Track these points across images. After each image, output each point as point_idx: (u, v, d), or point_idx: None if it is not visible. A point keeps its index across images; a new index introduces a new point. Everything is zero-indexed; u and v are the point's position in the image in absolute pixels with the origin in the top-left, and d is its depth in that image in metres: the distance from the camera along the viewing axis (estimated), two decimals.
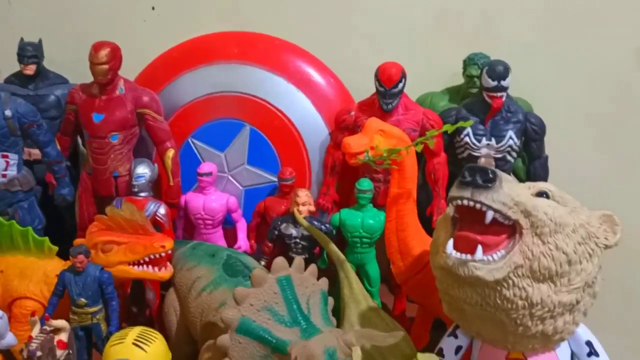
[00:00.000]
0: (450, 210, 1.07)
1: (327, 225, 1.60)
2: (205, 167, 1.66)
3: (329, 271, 1.54)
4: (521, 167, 1.74)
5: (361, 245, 1.60)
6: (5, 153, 1.54)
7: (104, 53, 1.58)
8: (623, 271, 1.70)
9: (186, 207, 1.69)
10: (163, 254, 1.40)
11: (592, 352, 1.13)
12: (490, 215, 1.00)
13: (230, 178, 1.76)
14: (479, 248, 1.01)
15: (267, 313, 1.14)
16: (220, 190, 1.73)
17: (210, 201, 1.67)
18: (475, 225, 1.04)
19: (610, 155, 1.87)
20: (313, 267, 1.25)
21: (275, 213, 1.66)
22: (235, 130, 1.73)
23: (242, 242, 1.71)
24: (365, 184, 1.57)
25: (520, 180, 1.74)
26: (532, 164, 1.65)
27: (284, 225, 1.59)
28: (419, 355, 1.11)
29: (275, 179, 1.72)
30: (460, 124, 1.23)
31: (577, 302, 1.05)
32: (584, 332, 1.13)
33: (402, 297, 1.73)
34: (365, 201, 1.58)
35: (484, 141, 1.58)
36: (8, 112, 1.52)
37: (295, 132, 1.72)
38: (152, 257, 1.40)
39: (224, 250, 1.45)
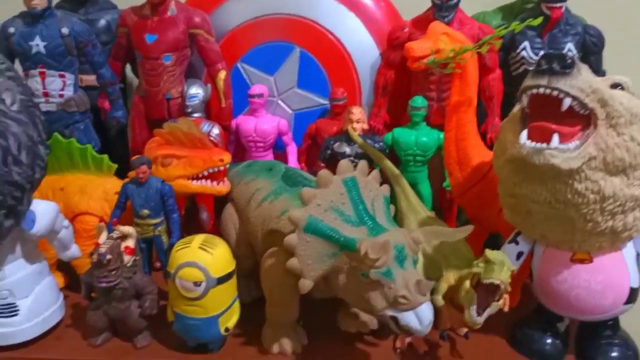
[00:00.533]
0: (523, 101, 1.05)
1: (381, 144, 1.60)
2: (256, 88, 1.66)
3: None
4: None
5: (414, 164, 1.60)
6: (62, 72, 1.56)
7: None
8: None
9: (237, 130, 1.69)
10: (222, 168, 1.41)
11: None
12: (567, 102, 1.00)
13: (280, 102, 1.76)
14: (555, 136, 1.00)
15: (334, 213, 1.15)
16: (271, 114, 1.73)
17: (262, 123, 1.67)
18: (548, 118, 1.03)
19: None
20: (376, 172, 1.25)
21: (327, 134, 1.65)
22: (284, 53, 1.72)
23: (293, 165, 1.71)
24: (419, 101, 1.55)
25: None
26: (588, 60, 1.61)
27: (337, 144, 1.59)
28: (487, 251, 1.10)
29: (326, 102, 1.71)
30: (529, 21, 1.20)
31: None
32: None
33: (452, 219, 1.73)
34: (419, 118, 1.56)
35: None
36: (65, 30, 1.53)
37: (345, 53, 1.70)
38: (210, 171, 1.41)
39: (281, 164, 1.46)
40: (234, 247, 1.44)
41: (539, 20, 1.22)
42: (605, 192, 1.02)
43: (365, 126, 1.59)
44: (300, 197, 1.15)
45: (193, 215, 1.68)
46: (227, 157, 1.41)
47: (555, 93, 0.99)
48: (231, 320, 1.27)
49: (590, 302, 1.14)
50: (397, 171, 1.47)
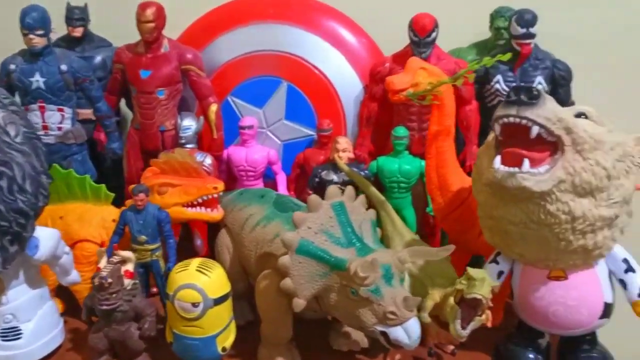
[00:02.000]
0: (496, 129, 1.15)
1: (366, 172, 1.68)
2: (247, 120, 1.74)
3: None
4: None
5: (399, 190, 1.68)
6: (61, 107, 1.63)
7: (150, 12, 1.66)
8: None
9: (229, 160, 1.77)
10: (215, 195, 1.49)
11: (629, 268, 1.23)
12: (535, 130, 1.10)
13: (269, 133, 1.84)
14: (526, 161, 1.11)
15: (324, 235, 1.23)
16: (260, 144, 1.81)
17: (253, 153, 1.75)
18: (519, 144, 1.13)
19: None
20: (362, 197, 1.33)
21: (315, 163, 1.73)
22: (272, 87, 1.81)
23: (283, 192, 1.78)
24: (401, 131, 1.65)
25: None
26: (556, 92, 1.72)
27: (325, 172, 1.68)
28: (469, 268, 1.18)
29: (312, 133, 1.80)
30: (500, 57, 1.30)
31: (616, 216, 1.15)
32: (620, 251, 1.23)
33: (435, 242, 1.81)
34: (401, 147, 1.66)
35: None
36: (64, 67, 1.61)
37: (330, 87, 1.80)
38: (204, 198, 1.48)
39: (272, 191, 1.53)
40: (229, 271, 1.50)
41: (509, 55, 1.33)
42: (575, 213, 1.12)
43: (351, 155, 1.67)
44: (292, 220, 1.23)
45: (187, 242, 1.74)
46: (220, 185, 1.48)
47: (524, 122, 1.09)
48: (228, 340, 1.32)
49: (567, 318, 1.23)
50: (382, 197, 1.56)
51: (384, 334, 1.15)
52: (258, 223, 1.41)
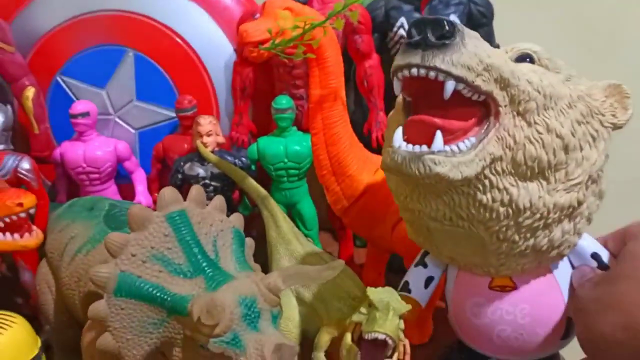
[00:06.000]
0: (396, 87, 0.75)
1: (244, 159, 1.29)
2: (78, 106, 1.30)
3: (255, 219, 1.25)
4: None
5: (288, 179, 1.29)
6: None
7: None
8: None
9: (63, 161, 1.33)
10: (22, 215, 1.05)
11: (600, 265, 0.84)
12: (451, 85, 0.69)
13: (118, 120, 1.41)
14: (438, 134, 0.71)
15: (157, 263, 0.82)
16: (107, 136, 1.38)
17: (93, 149, 1.32)
18: (432, 107, 0.74)
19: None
20: (219, 199, 0.92)
21: (177, 153, 1.33)
22: (115, 59, 1.38)
23: (142, 196, 1.38)
24: (283, 101, 1.25)
25: None
26: None
27: (187, 165, 1.27)
28: (369, 290, 0.81)
29: (174, 115, 1.38)
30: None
31: (579, 203, 0.77)
32: (587, 243, 0.85)
33: (347, 240, 1.45)
34: (286, 123, 1.26)
35: None
36: None
37: (191, 52, 1.38)
38: (7, 220, 1.05)
39: (106, 200, 1.11)
40: (53, 316, 1.09)
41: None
42: (519, 203, 0.74)
43: (220, 139, 1.27)
44: (105, 246, 0.82)
45: (13, 277, 1.31)
46: (27, 200, 1.04)
47: (432, 74, 0.69)
48: None
49: (517, 340, 0.86)
50: (263, 192, 1.16)
51: None
52: (79, 249, 0.99)
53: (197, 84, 1.39)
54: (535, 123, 0.72)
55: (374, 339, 0.78)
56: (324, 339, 0.93)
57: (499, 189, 0.73)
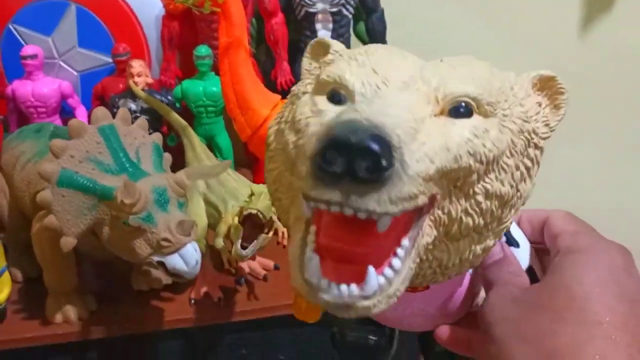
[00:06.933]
0: (304, 208, 0.49)
1: (169, 98, 1.55)
2: (28, 49, 1.53)
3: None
4: (364, 30, 1.74)
5: (207, 115, 1.56)
6: None
7: None
8: None
9: (14, 97, 1.56)
10: None
11: (511, 242, 0.70)
12: (386, 222, 0.47)
13: (62, 64, 1.64)
14: (371, 273, 0.47)
15: (91, 163, 1.08)
16: (53, 77, 1.61)
17: (40, 86, 1.55)
18: (350, 225, 0.48)
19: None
20: (142, 120, 1.20)
21: (114, 92, 1.57)
22: (59, 10, 1.59)
23: None
24: (202, 50, 1.51)
25: (364, 42, 1.75)
26: (369, 19, 1.64)
27: (122, 101, 1.52)
28: (251, 185, 1.09)
29: (111, 60, 1.62)
30: None
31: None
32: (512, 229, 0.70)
33: (260, 172, 1.72)
34: (205, 68, 1.52)
35: None
36: None
37: (125, 6, 1.61)
38: None
39: (51, 125, 1.36)
40: (8, 219, 1.34)
41: None
42: (449, 263, 0.58)
43: (149, 80, 1.52)
44: (50, 149, 1.07)
45: None
46: None
47: (362, 215, 0.46)
48: (1, 294, 1.17)
49: (426, 325, 0.72)
50: (183, 122, 1.43)
51: (161, 263, 1.04)
52: (29, 160, 1.24)
53: (130, 33, 1.62)
54: (475, 193, 0.54)
55: (248, 214, 1.07)
56: (223, 228, 1.21)
57: (429, 261, 0.56)
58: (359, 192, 0.44)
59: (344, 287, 0.47)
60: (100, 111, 1.12)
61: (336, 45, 0.62)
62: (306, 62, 0.65)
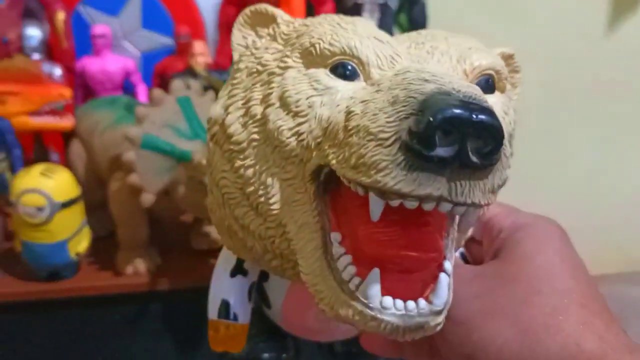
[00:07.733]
0: (359, 190, 0.39)
1: (226, 76, 1.67)
2: (98, 28, 1.66)
3: None
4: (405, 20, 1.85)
5: None
6: None
7: None
8: None
9: (83, 72, 1.69)
10: (62, 102, 1.43)
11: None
12: (474, 217, 0.49)
13: (127, 44, 1.78)
14: (443, 281, 0.41)
15: (169, 129, 1.22)
16: (117, 55, 1.74)
17: (108, 63, 1.68)
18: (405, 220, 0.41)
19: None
20: (211, 94, 1.32)
21: (174, 71, 1.70)
22: None
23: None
24: None
25: (404, 31, 1.86)
26: (412, 10, 1.76)
27: (181, 80, 1.65)
28: None
29: (171, 43, 1.75)
30: None
31: None
32: None
33: None
34: None
35: None
36: None
37: None
38: (52, 107, 1.42)
39: (123, 97, 1.50)
40: (84, 181, 1.47)
41: None
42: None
43: (209, 60, 1.65)
44: (135, 115, 1.21)
45: (44, 158, 1.67)
46: (67, 92, 1.42)
47: (460, 210, 0.38)
48: (81, 244, 1.30)
49: (353, 332, 0.67)
50: None
51: None
52: (107, 127, 1.38)
53: (190, 18, 1.76)
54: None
55: None
56: None
57: None
58: (466, 183, 0.35)
59: (411, 303, 0.38)
60: (178, 83, 1.25)
61: (284, 14, 0.55)
62: (238, 36, 0.60)
